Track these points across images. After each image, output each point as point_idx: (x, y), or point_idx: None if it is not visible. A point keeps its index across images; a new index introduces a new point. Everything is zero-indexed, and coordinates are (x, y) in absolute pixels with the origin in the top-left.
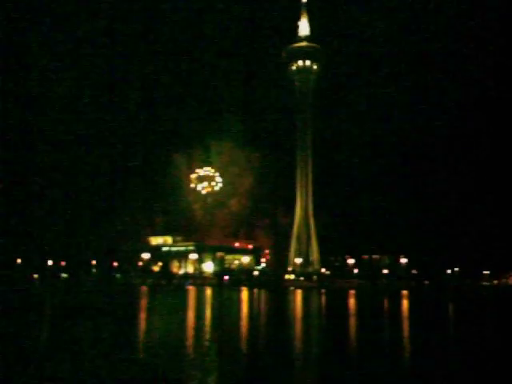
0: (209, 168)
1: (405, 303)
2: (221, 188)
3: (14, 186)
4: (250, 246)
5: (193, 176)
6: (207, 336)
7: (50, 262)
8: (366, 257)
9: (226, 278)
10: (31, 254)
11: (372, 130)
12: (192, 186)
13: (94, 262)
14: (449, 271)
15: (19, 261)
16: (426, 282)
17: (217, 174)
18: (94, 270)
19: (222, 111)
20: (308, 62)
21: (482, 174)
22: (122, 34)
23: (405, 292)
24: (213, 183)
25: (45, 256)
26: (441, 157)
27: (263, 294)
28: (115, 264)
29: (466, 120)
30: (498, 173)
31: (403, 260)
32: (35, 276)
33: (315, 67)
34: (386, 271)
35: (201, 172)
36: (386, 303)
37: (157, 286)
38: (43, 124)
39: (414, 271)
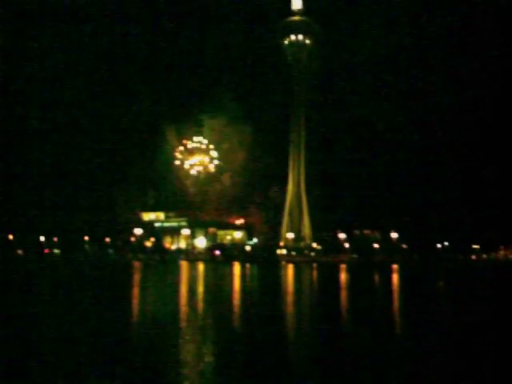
0: (200, 138)
1: (395, 277)
2: (213, 163)
3: (6, 162)
4: (243, 222)
5: (183, 149)
6: (200, 311)
7: (42, 238)
8: (357, 232)
9: (218, 252)
10: (23, 230)
11: (365, 108)
12: (183, 161)
13: (86, 238)
14: (439, 246)
15: (11, 237)
16: (417, 257)
17: (211, 146)
18: (86, 246)
19: (215, 86)
20: (300, 37)
21: (473, 149)
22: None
23: (395, 266)
24: (206, 159)
25: (37, 232)
26: (431, 131)
27: (255, 269)
28: (107, 240)
29: (458, 94)
30: (490, 147)
31: (394, 235)
32: (24, 251)
33: (308, 42)
34: (376, 246)
35: (192, 144)
36: (376, 277)
37: (149, 261)
38: (36, 97)
39: (404, 246)
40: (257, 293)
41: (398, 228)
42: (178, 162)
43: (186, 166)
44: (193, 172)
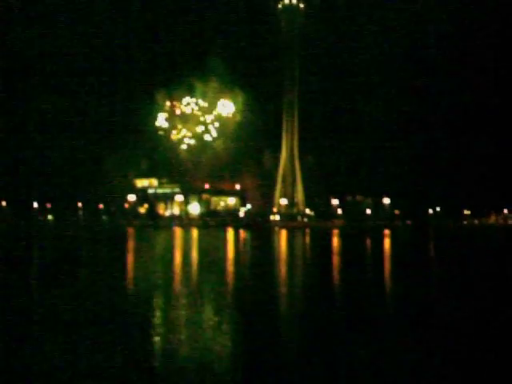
0: (193, 104)
1: (386, 242)
2: (205, 128)
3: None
4: (236, 188)
5: (175, 115)
6: (193, 275)
7: (35, 205)
8: (349, 198)
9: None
10: (17, 196)
11: (360, 74)
12: (176, 127)
13: (79, 205)
14: (431, 211)
15: (4, 204)
16: (409, 222)
17: (203, 111)
18: (79, 213)
19: (207, 51)
20: (294, 0)
21: (465, 116)
22: None
23: (387, 231)
24: (198, 125)
25: (31, 198)
26: (423, 95)
27: (248, 235)
28: (101, 206)
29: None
30: (481, 114)
31: (386, 201)
32: (18, 218)
33: (302, 6)
34: (369, 212)
35: (184, 110)
36: (368, 242)
37: (143, 228)
38: (35, 70)
39: (396, 211)
40: (250, 258)
41: (391, 194)
42: (169, 128)
43: (178, 131)
44: (185, 138)
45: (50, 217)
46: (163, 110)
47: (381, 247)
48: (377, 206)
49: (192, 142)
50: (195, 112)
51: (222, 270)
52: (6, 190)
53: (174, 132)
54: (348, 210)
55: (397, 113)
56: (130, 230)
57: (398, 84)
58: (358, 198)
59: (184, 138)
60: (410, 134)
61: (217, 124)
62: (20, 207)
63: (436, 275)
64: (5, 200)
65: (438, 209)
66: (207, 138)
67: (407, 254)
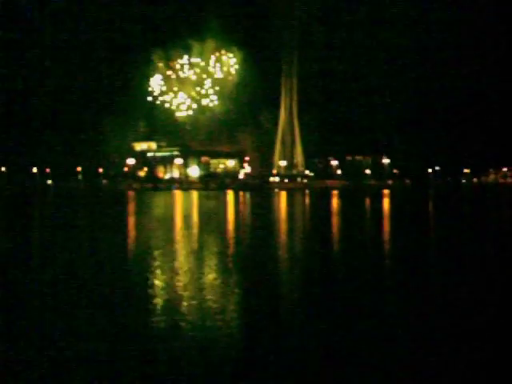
0: (190, 65)
1: (385, 201)
2: (203, 90)
3: None
4: (235, 150)
5: (173, 76)
6: (195, 237)
7: (34, 170)
8: (348, 158)
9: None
10: (16, 161)
11: (359, 34)
12: (173, 89)
13: (79, 169)
14: (430, 170)
15: (3, 169)
16: (408, 181)
17: (201, 73)
18: (79, 177)
19: (204, 11)
20: None
21: (464, 73)
22: None
23: (386, 191)
24: (196, 86)
25: (30, 163)
26: (423, 54)
27: (248, 197)
28: (100, 170)
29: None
30: (480, 71)
31: (385, 160)
32: (17, 182)
33: None
34: (368, 172)
35: (182, 71)
36: (367, 202)
37: (143, 191)
38: (32, 35)
39: (395, 171)
40: (250, 219)
41: (390, 154)
42: (166, 90)
43: (175, 94)
44: (182, 100)
45: (49, 181)
46: (159, 72)
47: (379, 207)
48: (376, 165)
49: (189, 103)
50: (192, 73)
51: (223, 231)
52: (5, 155)
53: (171, 94)
54: (347, 170)
55: (397, 71)
56: (130, 193)
57: (398, 41)
58: (357, 158)
59: (181, 99)
60: (409, 94)
61: (214, 85)
62: (19, 172)
63: (432, 234)
64: (4, 166)
65: (437, 168)
66: (205, 99)
67: (404, 213)
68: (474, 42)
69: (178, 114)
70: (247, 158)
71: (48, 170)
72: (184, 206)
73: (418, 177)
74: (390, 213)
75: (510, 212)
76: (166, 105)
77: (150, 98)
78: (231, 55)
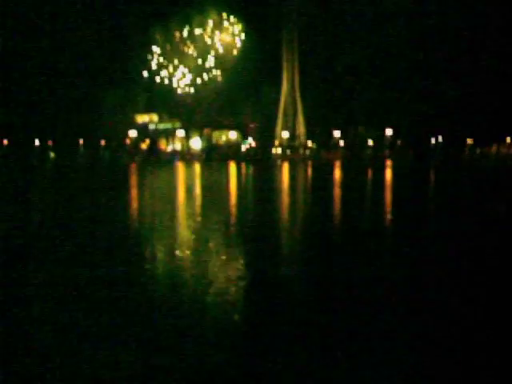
0: (190, 34)
1: (387, 172)
2: (203, 60)
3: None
4: (237, 122)
5: (173, 45)
6: (198, 208)
7: (36, 142)
8: (351, 129)
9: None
10: (18, 133)
11: (363, 4)
12: (173, 59)
13: (81, 142)
14: (433, 141)
15: (6, 142)
16: (411, 153)
17: (201, 42)
18: (81, 149)
19: None
20: None
21: (467, 44)
22: None
23: (389, 162)
24: (196, 56)
25: (32, 135)
26: (427, 25)
27: (251, 168)
28: (103, 143)
29: None
30: (483, 42)
31: (388, 131)
32: (20, 155)
33: None
34: (371, 143)
35: (182, 41)
36: (370, 173)
37: (145, 163)
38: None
39: (398, 142)
40: (252, 190)
41: (393, 125)
42: (166, 62)
43: (176, 66)
44: (183, 70)
45: (52, 154)
46: (159, 44)
47: (380, 178)
48: (379, 137)
49: (190, 76)
50: (193, 45)
51: (227, 202)
52: (7, 128)
53: (171, 67)
54: (350, 141)
55: (399, 42)
56: (133, 165)
57: (403, 7)
58: (360, 129)
59: (181, 72)
60: (412, 64)
61: (215, 57)
62: (22, 145)
63: (432, 204)
64: (6, 138)
65: (440, 139)
66: (205, 71)
67: (406, 184)
68: (478, 9)
69: (178, 88)
70: (249, 130)
71: (50, 143)
72: (186, 180)
73: (420, 148)
74: (391, 183)
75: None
76: (166, 78)
77: (148, 71)
78: (232, 27)
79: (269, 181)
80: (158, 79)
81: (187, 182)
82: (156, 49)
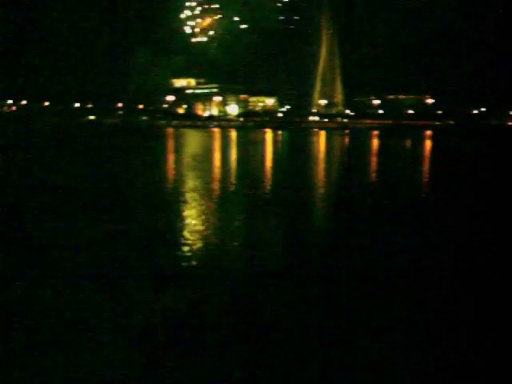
0: None
1: (427, 144)
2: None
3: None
4: (274, 88)
5: (207, 9)
6: (234, 178)
7: (76, 105)
8: (391, 97)
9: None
10: (59, 96)
11: None
12: (208, 22)
13: (120, 105)
14: (475, 111)
15: (47, 103)
16: (451, 122)
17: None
18: (119, 112)
19: None
20: None
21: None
22: None
23: (429, 132)
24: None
25: (71, 98)
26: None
27: (286, 136)
28: (140, 106)
29: None
30: None
31: (429, 100)
32: (60, 118)
33: None
34: (411, 111)
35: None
36: (408, 143)
37: (182, 128)
38: None
39: (439, 111)
40: (288, 160)
41: (434, 93)
42: (201, 22)
43: (210, 24)
44: (217, 33)
45: (91, 117)
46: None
47: (419, 150)
48: (419, 105)
49: (225, 36)
50: (229, 5)
51: (262, 171)
52: (48, 90)
53: (206, 25)
54: (389, 109)
55: (441, 9)
56: (169, 130)
57: None
58: (400, 97)
59: (217, 32)
60: (454, 32)
61: (251, 17)
62: (61, 107)
63: (471, 180)
64: (48, 101)
65: (482, 109)
66: (243, 33)
67: (444, 157)
68: None
69: (213, 47)
70: (286, 96)
71: (89, 106)
72: (222, 144)
73: (461, 118)
74: (428, 157)
75: None
76: (201, 38)
77: (184, 31)
78: None
79: (304, 152)
80: (192, 42)
81: (223, 149)
82: (193, 10)
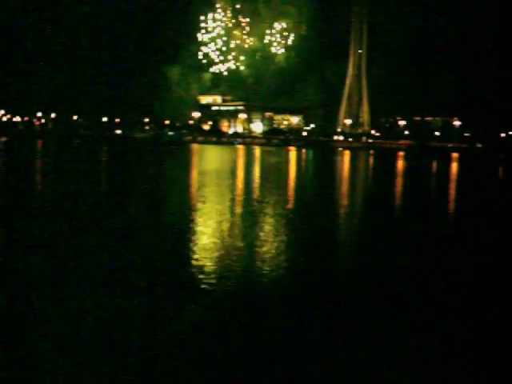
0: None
1: (454, 166)
2: (268, 41)
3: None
4: (299, 106)
5: (238, 26)
6: (257, 192)
7: (104, 119)
8: (417, 118)
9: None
10: (88, 111)
11: None
12: (239, 39)
13: (146, 120)
14: (503, 135)
15: (75, 117)
16: (479, 145)
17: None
18: (146, 127)
19: None
20: None
21: None
22: None
23: (455, 155)
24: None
25: (100, 113)
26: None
27: (311, 154)
28: (167, 122)
29: None
30: None
31: (456, 122)
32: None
33: None
34: (437, 133)
35: (247, 21)
36: (433, 165)
37: (207, 144)
38: None
39: (466, 134)
40: (312, 178)
41: (461, 115)
42: (229, 40)
43: (239, 44)
44: (247, 50)
45: (118, 131)
46: (224, 21)
47: (446, 172)
48: (446, 127)
49: (254, 55)
50: (257, 23)
51: (286, 189)
52: (78, 105)
53: (234, 44)
54: (415, 130)
55: (472, 30)
56: (195, 146)
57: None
58: (427, 118)
59: (244, 50)
60: (484, 54)
61: (280, 37)
62: (90, 121)
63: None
64: (77, 114)
65: (510, 132)
66: (269, 51)
67: (472, 181)
68: None
69: (241, 66)
70: (312, 115)
71: (117, 120)
72: (246, 161)
73: (489, 141)
74: (457, 180)
75: None
76: (228, 57)
77: (211, 50)
78: (298, 5)
79: (328, 170)
80: (220, 60)
81: (246, 165)
82: (219, 29)
